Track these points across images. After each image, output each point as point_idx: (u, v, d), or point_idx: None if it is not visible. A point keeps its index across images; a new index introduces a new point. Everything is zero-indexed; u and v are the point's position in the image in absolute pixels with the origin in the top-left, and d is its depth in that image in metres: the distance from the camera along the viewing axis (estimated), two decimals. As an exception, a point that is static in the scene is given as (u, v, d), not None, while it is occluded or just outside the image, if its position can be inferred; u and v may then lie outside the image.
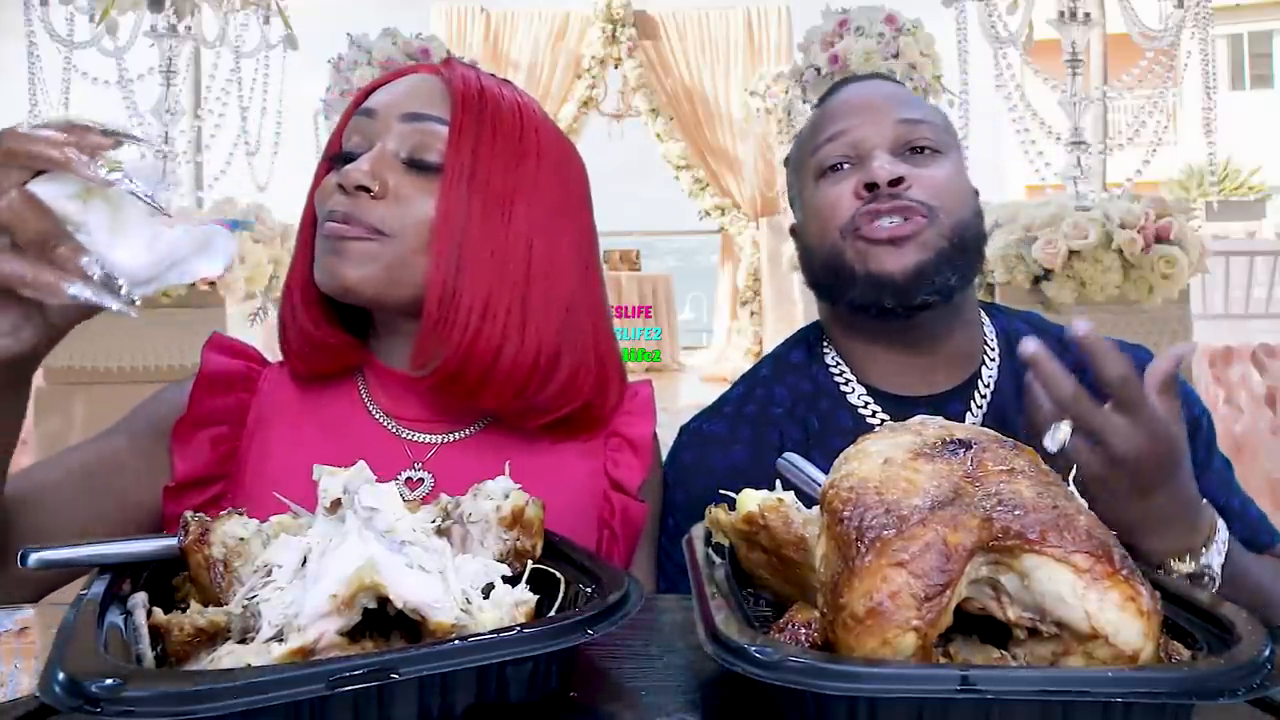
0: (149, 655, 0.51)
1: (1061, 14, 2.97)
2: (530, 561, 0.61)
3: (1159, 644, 0.45)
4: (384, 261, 0.82)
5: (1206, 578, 0.76)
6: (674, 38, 8.69)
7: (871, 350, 0.99)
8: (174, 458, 0.85)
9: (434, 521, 0.61)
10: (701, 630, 0.49)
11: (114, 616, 0.52)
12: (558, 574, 0.60)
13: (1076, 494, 0.50)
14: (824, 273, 0.97)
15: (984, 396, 0.97)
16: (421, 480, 0.87)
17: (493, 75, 0.92)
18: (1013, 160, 3.77)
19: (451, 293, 0.81)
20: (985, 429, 0.55)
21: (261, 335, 3.05)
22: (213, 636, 0.51)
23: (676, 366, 8.76)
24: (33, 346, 0.65)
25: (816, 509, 0.54)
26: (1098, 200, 2.80)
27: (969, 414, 0.96)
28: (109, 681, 0.40)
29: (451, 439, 0.90)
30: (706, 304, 10.53)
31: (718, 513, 0.61)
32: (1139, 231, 2.55)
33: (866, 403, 0.98)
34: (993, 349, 1.00)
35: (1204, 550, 0.76)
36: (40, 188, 0.57)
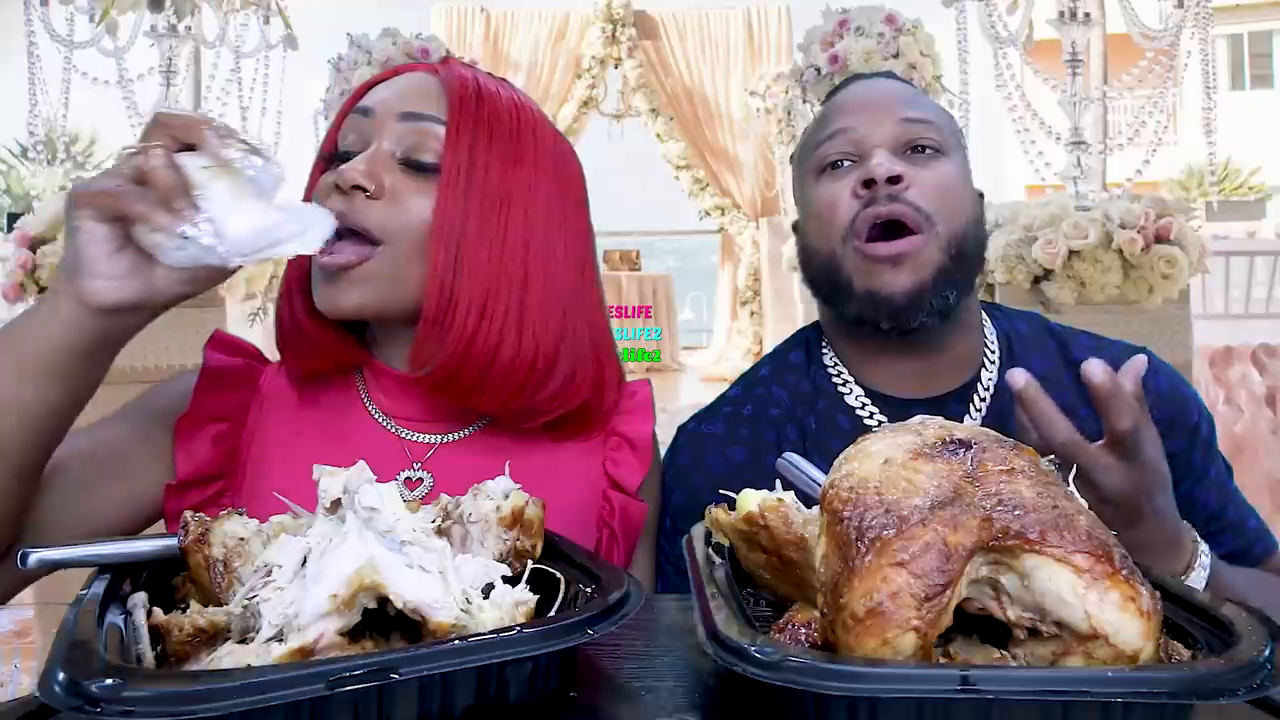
0: (149, 655, 0.51)
1: (1061, 14, 2.97)
2: (530, 561, 0.61)
3: (1159, 644, 0.45)
4: (380, 279, 0.82)
5: None
6: (674, 38, 8.70)
7: (870, 353, 0.98)
8: (176, 455, 0.85)
9: (434, 521, 0.61)
10: (701, 630, 0.49)
11: (114, 616, 0.52)
12: (558, 574, 0.60)
13: (1076, 494, 0.50)
14: (822, 279, 0.97)
15: (983, 400, 0.97)
16: (420, 480, 0.87)
17: (490, 74, 0.92)
18: (1013, 160, 3.77)
19: (449, 294, 0.81)
20: (985, 429, 0.55)
21: (261, 335, 3.05)
22: (213, 636, 0.51)
23: (676, 366, 8.76)
24: (133, 302, 0.69)
25: (816, 509, 0.54)
26: (1098, 200, 2.80)
27: (968, 416, 0.96)
28: (109, 681, 0.40)
29: (450, 439, 0.90)
30: (706, 304, 10.54)
31: (717, 513, 0.61)
32: (1139, 231, 2.55)
33: (864, 404, 0.98)
34: (993, 351, 1.00)
35: (1184, 576, 0.77)
36: (180, 157, 0.67)
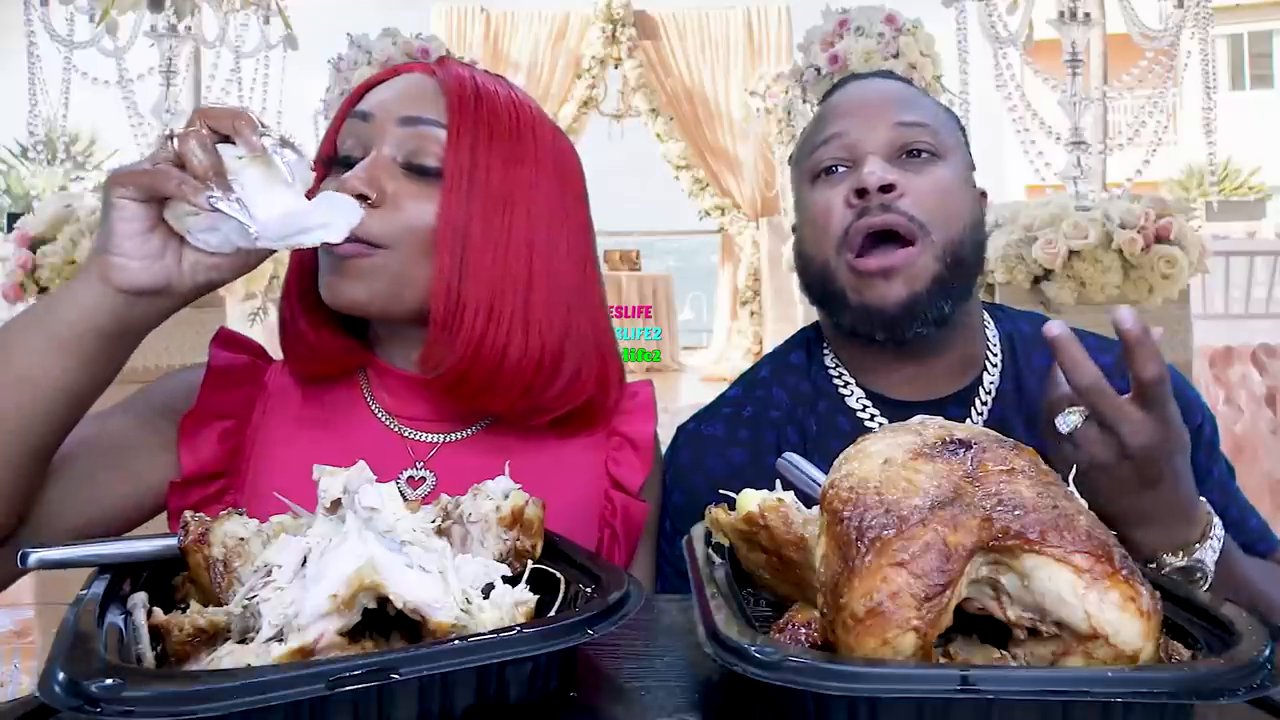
0: (149, 655, 0.51)
1: (1061, 14, 2.97)
2: (530, 561, 0.61)
3: (1159, 644, 0.45)
4: (387, 275, 0.82)
5: (1199, 573, 0.76)
6: (674, 38, 8.69)
7: (869, 358, 0.98)
8: (181, 451, 0.85)
9: (434, 521, 0.61)
10: (701, 630, 0.49)
11: (114, 616, 0.52)
12: (558, 574, 0.60)
13: (1076, 494, 0.50)
14: (817, 286, 0.97)
15: (984, 403, 0.97)
16: (423, 479, 0.87)
17: (487, 72, 0.92)
18: (1013, 160, 3.77)
19: (457, 298, 0.82)
20: (985, 429, 0.55)
21: (262, 335, 3.05)
22: (213, 636, 0.51)
23: (676, 366, 8.76)
24: (155, 285, 0.70)
25: (816, 509, 0.54)
26: (1098, 200, 2.80)
27: (969, 419, 0.96)
28: (109, 681, 0.40)
29: (453, 438, 0.90)
30: (706, 304, 10.53)
31: (717, 513, 0.61)
32: (1139, 231, 2.55)
33: (865, 406, 0.97)
34: (995, 353, 0.99)
35: (1198, 546, 0.76)
36: (224, 145, 0.69)
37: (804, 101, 3.23)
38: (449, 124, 0.84)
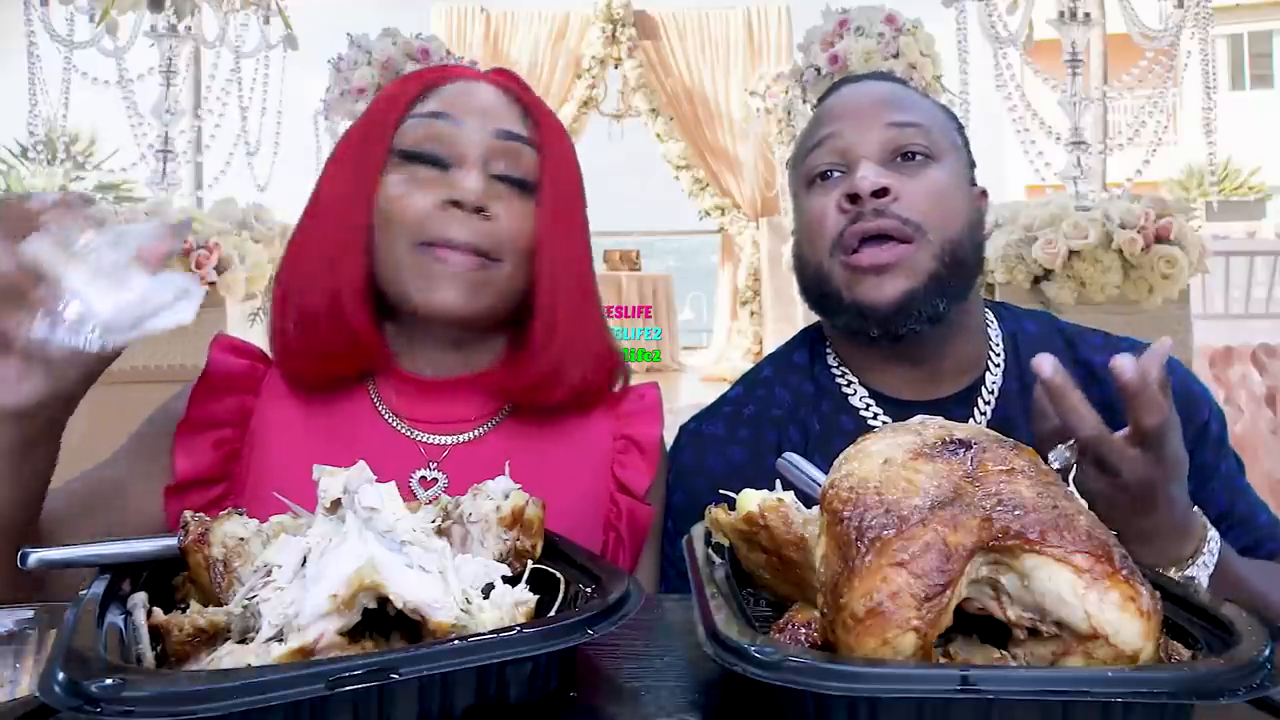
0: (149, 655, 0.51)
1: (1061, 14, 2.97)
2: (530, 561, 0.61)
3: (1159, 644, 0.45)
4: (495, 288, 0.87)
5: (1192, 589, 0.76)
6: (674, 38, 8.68)
7: (870, 358, 0.98)
8: (175, 458, 0.85)
9: (434, 521, 0.61)
10: (701, 630, 0.49)
11: (114, 616, 0.52)
12: (558, 574, 0.60)
13: (1076, 494, 0.50)
14: (814, 289, 0.97)
15: (987, 402, 0.96)
16: (435, 480, 0.88)
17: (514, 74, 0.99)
18: (1013, 160, 3.76)
19: (553, 315, 0.88)
20: (985, 429, 0.55)
21: (262, 335, 3.03)
22: (213, 636, 0.51)
23: (676, 366, 8.75)
24: (37, 402, 0.65)
25: (816, 509, 0.54)
26: (1098, 200, 2.80)
27: (972, 419, 0.96)
28: (109, 681, 0.40)
29: (464, 439, 0.90)
30: (706, 304, 10.52)
31: (717, 513, 0.61)
32: (1139, 231, 2.55)
33: (869, 405, 0.97)
34: (998, 353, 0.99)
35: (1190, 562, 0.76)
36: (32, 243, 0.62)
37: (804, 101, 3.23)
38: (539, 143, 0.90)
